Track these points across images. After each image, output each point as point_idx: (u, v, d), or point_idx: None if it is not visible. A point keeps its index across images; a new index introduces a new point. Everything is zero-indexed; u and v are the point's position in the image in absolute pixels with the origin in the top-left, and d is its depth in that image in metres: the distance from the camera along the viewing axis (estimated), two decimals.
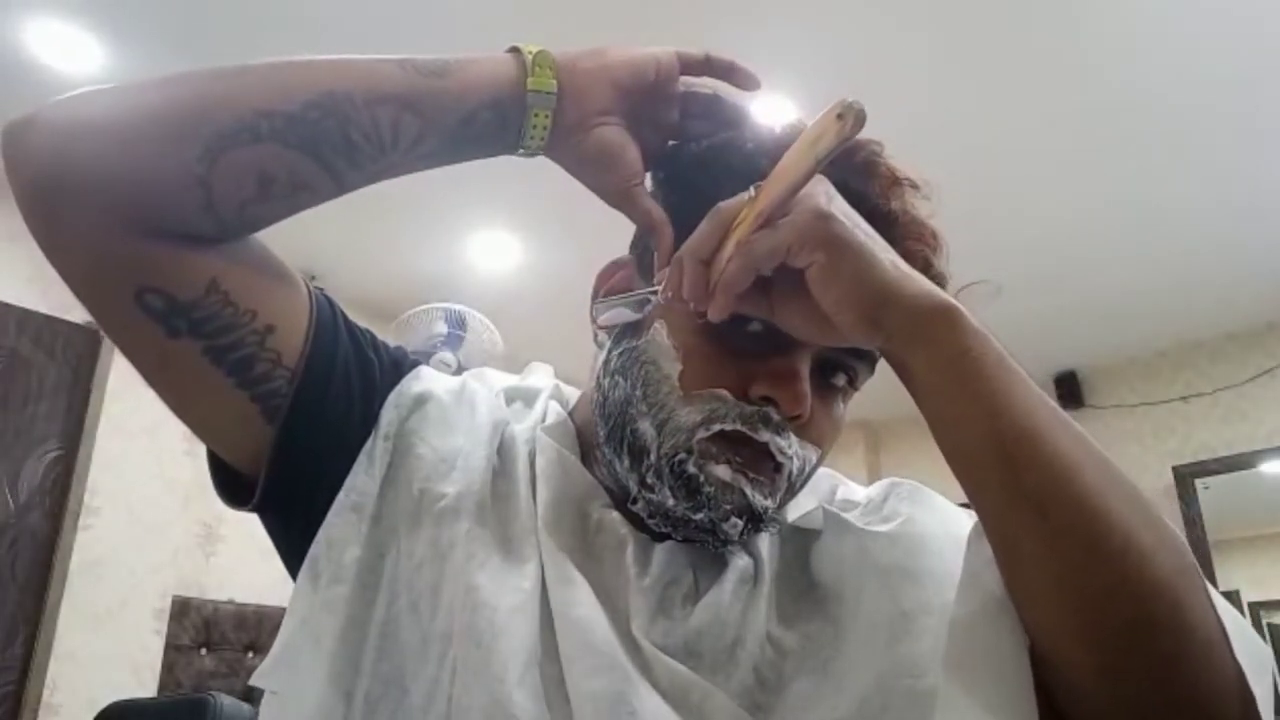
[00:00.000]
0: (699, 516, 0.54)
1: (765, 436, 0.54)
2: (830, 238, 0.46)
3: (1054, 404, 0.46)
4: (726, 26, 2.13)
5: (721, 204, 0.50)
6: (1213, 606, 0.44)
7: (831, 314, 0.47)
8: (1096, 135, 2.53)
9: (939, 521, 0.61)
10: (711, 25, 2.12)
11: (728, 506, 0.54)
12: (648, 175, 0.61)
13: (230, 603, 2.98)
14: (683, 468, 0.54)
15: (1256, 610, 3.54)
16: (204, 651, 2.87)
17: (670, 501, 0.54)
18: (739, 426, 0.54)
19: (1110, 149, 2.59)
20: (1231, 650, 0.43)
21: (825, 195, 0.48)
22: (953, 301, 0.47)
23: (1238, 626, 0.44)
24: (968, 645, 0.46)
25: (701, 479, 0.54)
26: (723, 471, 0.54)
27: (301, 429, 0.55)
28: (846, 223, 0.47)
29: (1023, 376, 0.46)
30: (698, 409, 0.54)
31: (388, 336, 0.64)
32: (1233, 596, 3.48)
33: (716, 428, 0.54)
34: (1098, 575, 0.43)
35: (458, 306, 2.84)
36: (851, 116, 0.45)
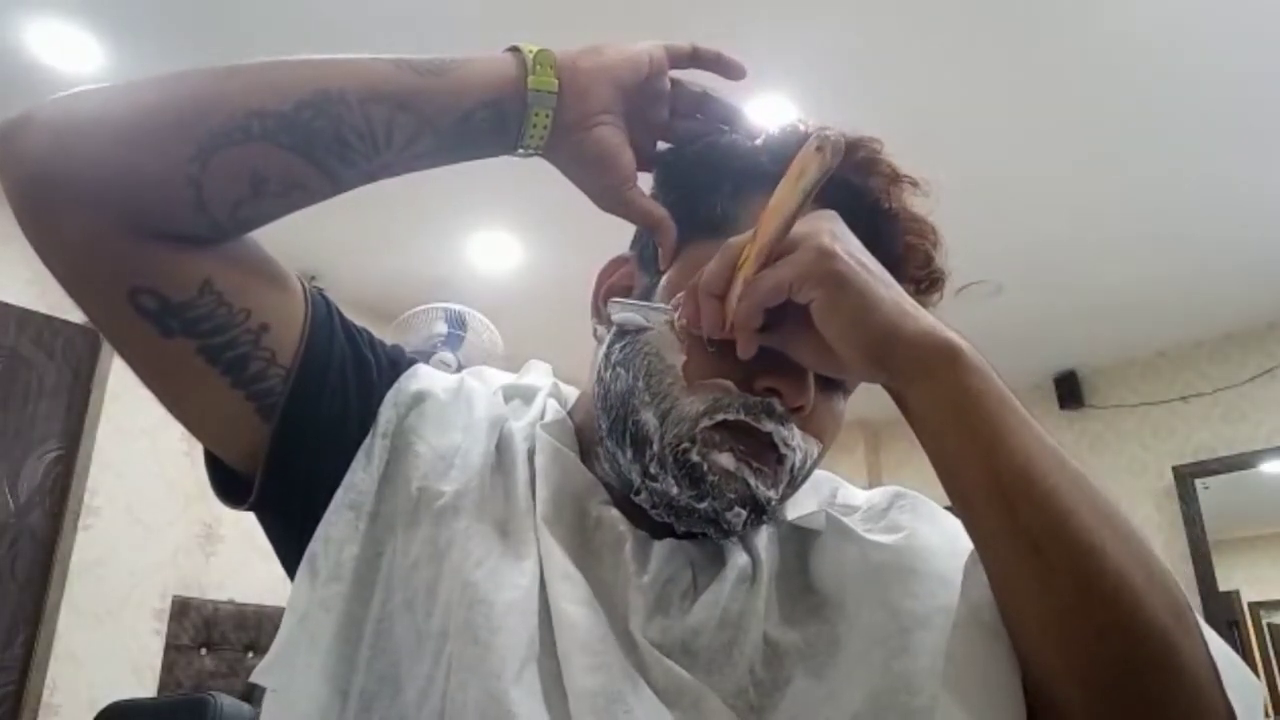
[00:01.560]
0: (703, 506, 0.54)
1: (769, 427, 0.54)
2: (830, 275, 0.47)
3: (1054, 443, 0.47)
4: (724, 25, 2.13)
5: (730, 241, 0.52)
6: (1205, 645, 0.44)
7: (836, 348, 0.49)
8: (1097, 135, 2.53)
9: (942, 537, 0.60)
10: (712, 24, 2.12)
11: (731, 495, 0.54)
12: (645, 176, 0.61)
13: (230, 603, 2.98)
14: (686, 456, 0.54)
15: (1256, 610, 3.53)
16: (204, 651, 2.87)
17: (674, 490, 0.54)
18: (742, 416, 0.54)
19: (1111, 148, 2.59)
20: (1223, 688, 0.43)
21: (830, 233, 0.49)
22: (955, 339, 0.48)
23: (1229, 663, 0.44)
24: (964, 667, 0.47)
25: (705, 467, 0.54)
26: (726, 460, 0.54)
27: (297, 427, 0.55)
28: (849, 260, 0.48)
29: (1023, 415, 0.47)
30: (701, 398, 0.54)
31: (388, 336, 0.64)
32: (1233, 596, 3.49)
33: (720, 417, 0.54)
34: (1090, 615, 0.43)
35: (458, 306, 2.84)
36: (830, 148, 0.47)
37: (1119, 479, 3.79)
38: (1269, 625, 3.52)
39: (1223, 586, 3.46)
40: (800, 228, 0.49)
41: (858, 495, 0.68)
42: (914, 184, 0.59)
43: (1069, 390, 4.03)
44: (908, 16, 2.13)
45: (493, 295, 3.33)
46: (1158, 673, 0.43)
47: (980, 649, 0.47)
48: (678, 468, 0.54)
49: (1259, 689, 0.46)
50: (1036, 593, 0.44)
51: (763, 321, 0.50)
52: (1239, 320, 3.60)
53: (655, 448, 0.55)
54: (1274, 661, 3.44)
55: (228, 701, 1.35)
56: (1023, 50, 2.24)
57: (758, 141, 0.60)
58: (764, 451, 0.55)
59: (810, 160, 0.48)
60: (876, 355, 0.48)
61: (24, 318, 2.73)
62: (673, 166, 0.63)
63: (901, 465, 4.51)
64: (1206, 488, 3.65)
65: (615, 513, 0.58)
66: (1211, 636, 0.45)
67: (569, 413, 0.66)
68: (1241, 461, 3.58)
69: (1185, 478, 3.68)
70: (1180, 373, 3.83)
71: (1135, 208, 2.86)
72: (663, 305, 0.57)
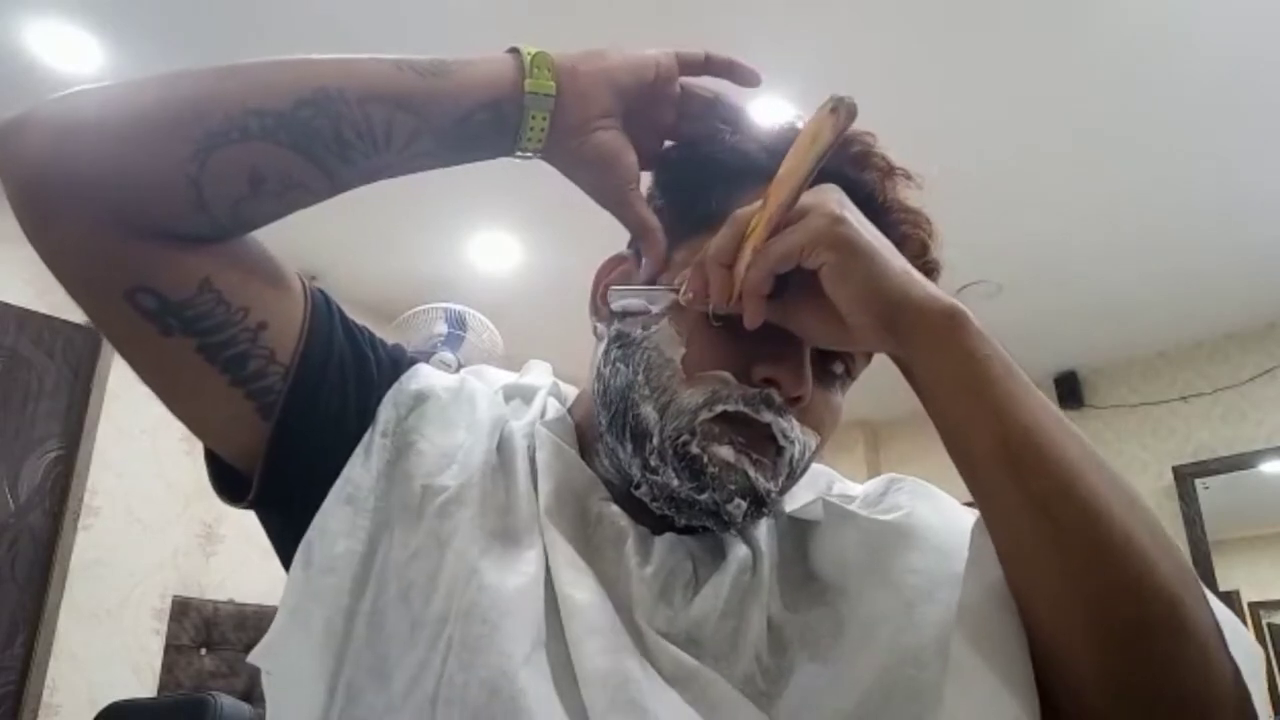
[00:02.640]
0: (703, 497, 0.54)
1: (767, 418, 0.55)
2: (841, 239, 0.48)
3: (1057, 409, 0.48)
4: (726, 27, 2.13)
5: (738, 211, 0.52)
6: (1209, 607, 0.45)
7: (845, 315, 0.49)
8: (1097, 135, 2.53)
9: (940, 513, 0.61)
10: (713, 26, 2.12)
11: (731, 487, 0.54)
12: (645, 176, 0.61)
13: (230, 603, 2.98)
14: (686, 449, 0.54)
15: (1256, 610, 3.53)
16: (204, 651, 2.87)
17: (675, 482, 0.55)
18: (741, 408, 0.54)
19: (1110, 148, 2.59)
20: (1228, 650, 0.44)
21: (838, 202, 0.50)
22: (959, 305, 0.48)
23: (1233, 627, 0.45)
24: (976, 633, 0.47)
25: (705, 459, 0.54)
26: (726, 452, 0.54)
27: (297, 425, 0.55)
28: (858, 226, 0.49)
29: (1026, 381, 0.48)
30: (700, 390, 0.55)
31: (388, 336, 0.64)
32: (1233, 596, 3.48)
33: (719, 409, 0.54)
34: (1100, 575, 0.43)
35: (458, 306, 2.84)
36: (844, 110, 0.47)
37: None
38: (1269, 625, 3.52)
39: (1223, 586, 3.46)
40: (807, 199, 0.50)
41: (854, 488, 0.68)
42: (908, 177, 0.59)
43: (1069, 390, 4.03)
44: (908, 16, 2.13)
45: (493, 295, 3.33)
46: (1167, 632, 0.43)
47: (990, 615, 0.48)
48: (678, 460, 0.55)
49: (1260, 654, 0.46)
50: (1047, 555, 0.45)
51: (771, 289, 0.51)
52: (1239, 320, 3.60)
53: (655, 441, 0.55)
54: (1274, 661, 3.44)
55: (228, 701, 1.35)
56: (1024, 51, 2.24)
57: (761, 145, 0.60)
58: (763, 443, 0.56)
59: (824, 123, 0.48)
60: (886, 320, 0.48)
61: (24, 318, 2.73)
62: (671, 166, 0.63)
63: (901, 465, 4.51)
64: (1206, 488, 3.65)
65: (616, 509, 0.59)
66: (1214, 600, 0.46)
67: (569, 411, 0.66)
68: (1241, 461, 3.58)
69: (1185, 478, 3.68)
70: (1180, 373, 3.83)
71: (1135, 207, 2.86)
72: (666, 286, 0.58)
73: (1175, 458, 3.74)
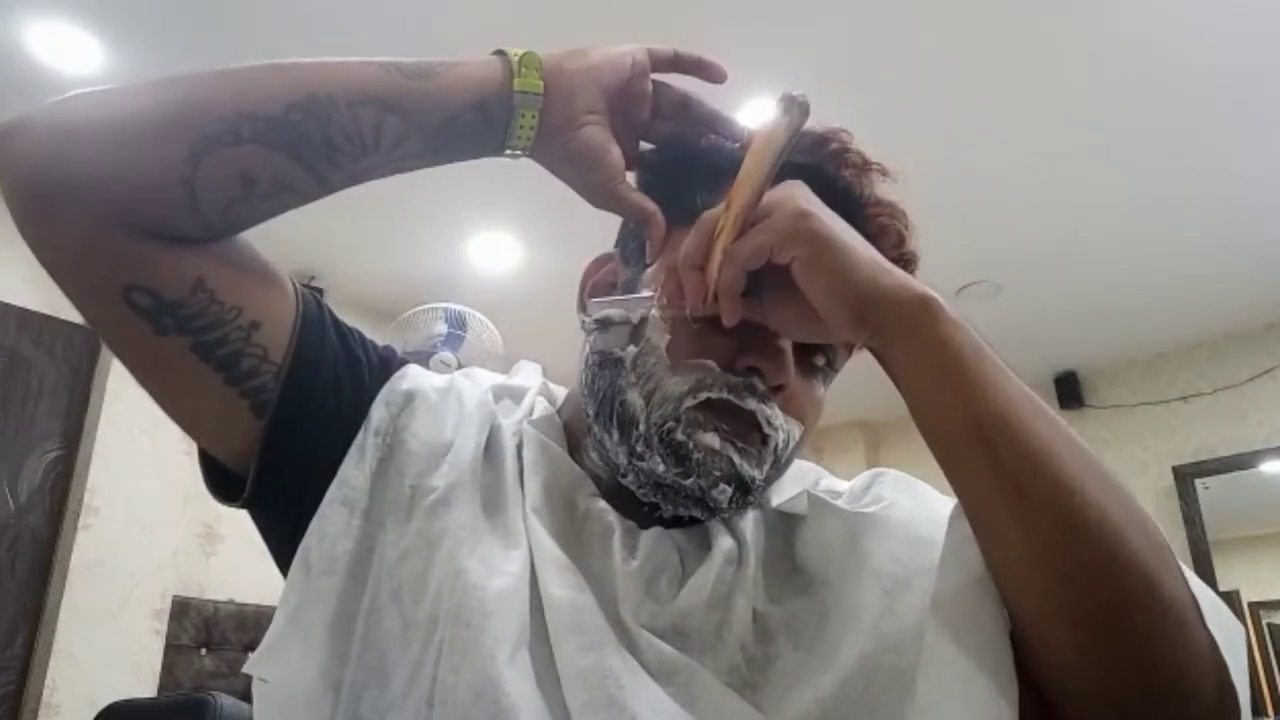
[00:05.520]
0: (688, 483, 0.55)
1: (751, 405, 0.56)
2: (810, 233, 0.49)
3: (1030, 391, 0.48)
4: (719, 26, 2.13)
5: (705, 214, 0.54)
6: (1185, 582, 0.45)
7: (819, 307, 0.50)
8: (1096, 135, 2.53)
9: (921, 504, 0.62)
10: (707, 25, 2.12)
11: (716, 473, 0.56)
12: (629, 177, 0.62)
13: (230, 603, 2.99)
14: (671, 435, 0.56)
15: (1256, 610, 3.53)
16: (204, 651, 2.88)
17: (660, 469, 0.56)
18: (725, 395, 0.56)
19: (1110, 148, 2.59)
20: (1205, 624, 0.44)
21: (804, 198, 0.51)
22: (930, 292, 0.49)
23: (1210, 601, 0.46)
24: (951, 615, 0.48)
25: (690, 446, 0.55)
26: (711, 439, 0.56)
27: (290, 423, 0.55)
28: (825, 219, 0.50)
29: (999, 364, 0.48)
30: (685, 378, 0.56)
31: (387, 337, 0.65)
32: (1233, 596, 3.48)
33: (704, 396, 0.56)
34: (1075, 553, 0.44)
35: (458, 306, 2.84)
36: (797, 108, 0.49)
37: None
38: (1269, 625, 3.52)
39: (1223, 586, 3.46)
40: (772, 195, 0.51)
41: (841, 484, 0.69)
42: (883, 172, 0.61)
43: (1069, 390, 4.02)
44: (902, 15, 2.13)
45: (493, 295, 3.33)
46: (1143, 607, 0.44)
47: (966, 600, 0.48)
48: (664, 447, 0.56)
49: (1240, 628, 0.47)
50: (1021, 534, 0.45)
51: (744, 287, 0.52)
52: (1239, 320, 3.60)
53: (641, 428, 0.56)
54: (1274, 661, 3.44)
55: (228, 701, 1.35)
56: (1022, 49, 2.24)
57: (738, 146, 0.61)
58: (748, 431, 0.57)
59: (779, 122, 0.49)
60: (859, 311, 0.49)
61: (24, 318, 2.73)
62: (652, 167, 0.64)
63: (901, 466, 4.47)
64: (1206, 488, 3.65)
65: (603, 504, 0.59)
66: (1192, 576, 0.46)
67: (557, 410, 0.67)
68: (1241, 461, 3.58)
69: (1185, 478, 3.68)
70: (1180, 373, 3.82)
71: (1135, 207, 2.86)
72: (643, 295, 0.59)
73: (1175, 458, 3.74)
